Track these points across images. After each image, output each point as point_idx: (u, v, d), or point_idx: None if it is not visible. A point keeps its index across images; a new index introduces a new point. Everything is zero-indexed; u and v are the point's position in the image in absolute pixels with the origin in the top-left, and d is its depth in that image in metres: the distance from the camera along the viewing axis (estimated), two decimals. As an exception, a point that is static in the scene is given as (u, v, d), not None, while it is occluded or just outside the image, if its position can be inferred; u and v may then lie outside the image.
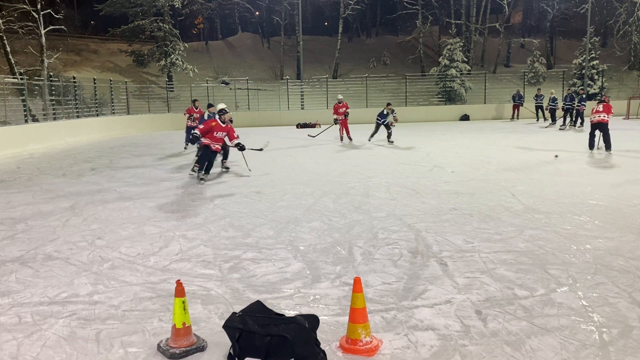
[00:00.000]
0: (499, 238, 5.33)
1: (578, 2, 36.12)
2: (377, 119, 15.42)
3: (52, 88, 20.78)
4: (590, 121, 12.53)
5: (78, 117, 21.27)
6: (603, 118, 12.20)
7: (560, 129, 19.54)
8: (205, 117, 11.21)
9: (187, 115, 14.44)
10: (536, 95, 23.69)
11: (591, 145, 12.60)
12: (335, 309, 3.67)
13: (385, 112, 15.23)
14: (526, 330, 3.26)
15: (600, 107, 12.37)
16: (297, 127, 23.85)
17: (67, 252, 5.13)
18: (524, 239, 5.28)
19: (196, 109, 14.31)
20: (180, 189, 8.64)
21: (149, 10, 33.83)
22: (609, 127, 12.32)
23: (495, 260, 4.63)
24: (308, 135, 15.76)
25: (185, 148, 14.72)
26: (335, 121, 16.47)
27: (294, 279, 4.29)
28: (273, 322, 2.94)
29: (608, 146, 12.25)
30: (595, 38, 33.00)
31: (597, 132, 12.44)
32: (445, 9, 40.31)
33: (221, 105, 9.78)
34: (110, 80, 24.99)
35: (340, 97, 16.83)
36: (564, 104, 20.51)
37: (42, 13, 24.78)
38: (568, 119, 20.24)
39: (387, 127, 15.32)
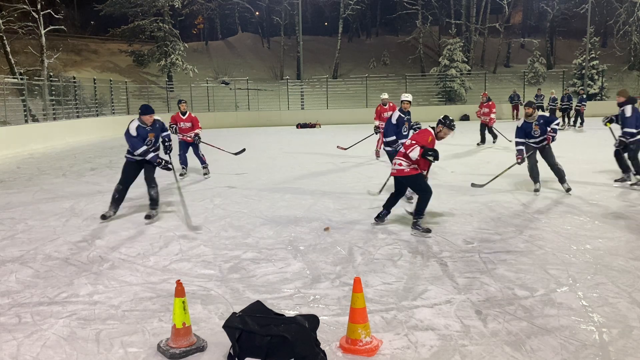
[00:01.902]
0: (499, 238, 5.33)
1: (578, 2, 36.10)
2: (518, 143, 7.59)
3: (52, 88, 20.79)
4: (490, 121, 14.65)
5: (78, 117, 21.29)
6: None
7: (559, 129, 19.53)
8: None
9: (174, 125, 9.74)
10: (536, 96, 23.64)
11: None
12: (335, 309, 3.67)
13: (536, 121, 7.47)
14: (526, 330, 3.26)
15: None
16: (297, 127, 23.92)
17: (67, 252, 5.13)
18: (524, 239, 5.28)
19: (183, 115, 9.76)
20: (180, 188, 8.63)
21: (149, 10, 33.81)
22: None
23: (495, 260, 4.63)
24: (338, 147, 12.42)
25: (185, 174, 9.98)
26: (376, 130, 11.49)
27: (293, 279, 4.29)
28: (273, 322, 2.94)
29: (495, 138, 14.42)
30: (595, 38, 32.98)
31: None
32: (445, 9, 40.28)
33: (408, 97, 7.63)
34: (110, 80, 25.00)
35: (385, 96, 11.96)
36: (561, 104, 20.52)
37: (42, 13, 24.78)
38: (566, 119, 20.23)
39: (542, 150, 7.52)
